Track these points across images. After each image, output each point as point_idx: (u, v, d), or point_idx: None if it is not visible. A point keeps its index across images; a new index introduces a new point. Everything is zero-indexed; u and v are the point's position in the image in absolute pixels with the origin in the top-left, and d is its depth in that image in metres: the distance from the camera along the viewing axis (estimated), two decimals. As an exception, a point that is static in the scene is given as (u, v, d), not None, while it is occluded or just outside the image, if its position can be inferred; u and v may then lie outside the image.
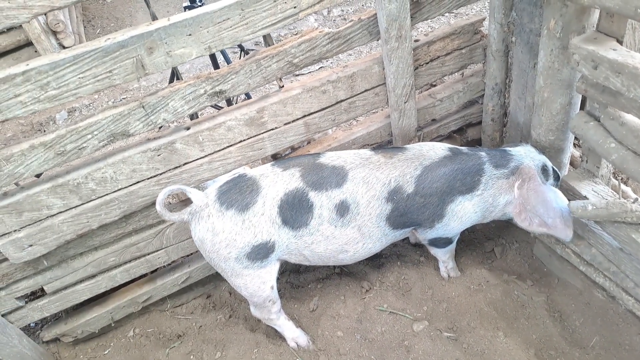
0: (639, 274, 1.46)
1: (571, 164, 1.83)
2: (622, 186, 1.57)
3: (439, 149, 1.59)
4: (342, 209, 1.51)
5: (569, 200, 1.58)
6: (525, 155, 1.58)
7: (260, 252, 1.49)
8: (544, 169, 1.58)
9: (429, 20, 3.62)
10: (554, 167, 1.62)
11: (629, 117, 1.30)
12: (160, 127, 1.62)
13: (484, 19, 1.82)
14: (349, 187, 1.51)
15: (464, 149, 1.62)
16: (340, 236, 1.55)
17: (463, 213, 1.58)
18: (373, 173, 1.52)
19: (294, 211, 1.48)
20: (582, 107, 1.62)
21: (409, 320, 1.73)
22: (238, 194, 1.47)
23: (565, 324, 1.66)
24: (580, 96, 1.61)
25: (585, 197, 1.55)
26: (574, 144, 1.77)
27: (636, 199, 1.41)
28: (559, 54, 1.45)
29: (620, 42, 1.26)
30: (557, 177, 1.63)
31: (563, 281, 1.79)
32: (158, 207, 1.46)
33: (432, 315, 1.74)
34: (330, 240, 1.55)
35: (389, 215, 1.55)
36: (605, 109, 1.37)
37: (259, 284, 1.56)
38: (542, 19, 1.49)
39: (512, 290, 1.77)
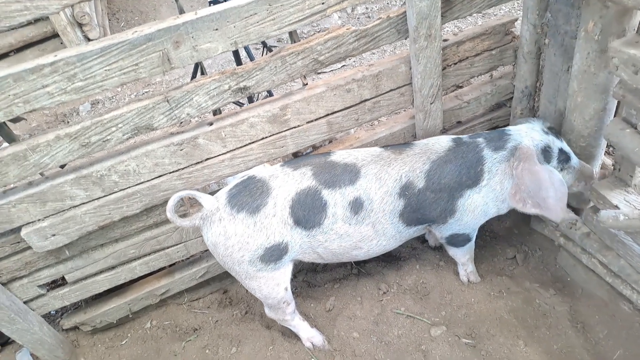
0: (671, 289, 1.41)
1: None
2: (656, 197, 1.51)
3: (443, 141, 1.58)
4: (356, 206, 1.50)
5: (600, 209, 1.53)
6: (525, 134, 1.51)
7: (274, 254, 1.48)
8: (545, 150, 1.50)
9: (457, 21, 3.56)
10: (565, 149, 1.53)
11: (670, 126, 1.24)
12: (181, 123, 1.62)
13: (515, 20, 1.77)
14: (362, 183, 1.50)
15: (465, 137, 1.60)
16: (355, 234, 1.54)
17: (474, 206, 1.56)
18: (385, 169, 1.52)
19: (307, 211, 1.47)
20: (615, 114, 1.56)
21: (426, 324, 1.71)
22: (248, 197, 1.46)
23: (589, 336, 1.62)
24: (616, 102, 1.55)
25: (616, 207, 1.49)
26: (606, 151, 1.71)
27: (672, 211, 1.35)
28: (596, 58, 1.40)
29: (663, 47, 1.20)
30: (564, 159, 1.53)
31: (587, 291, 1.74)
32: (168, 214, 1.45)
33: (450, 320, 1.71)
34: (344, 238, 1.54)
35: (402, 212, 1.54)
36: (643, 116, 1.31)
37: (273, 285, 1.56)
38: (579, 21, 1.43)
39: (533, 298, 1.73)
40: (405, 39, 1.61)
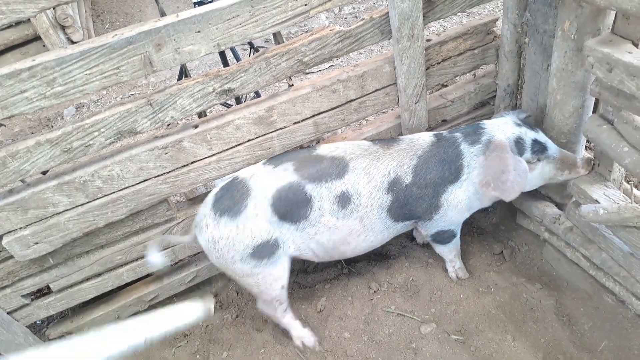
0: (651, 280, 1.45)
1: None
2: (635, 190, 1.55)
3: (425, 137, 1.61)
4: (344, 200, 1.51)
5: (581, 203, 1.56)
6: (498, 128, 1.54)
7: (265, 251, 1.49)
8: (517, 142, 1.51)
9: (441, 20, 3.60)
10: (540, 140, 1.53)
11: (645, 121, 1.28)
12: (168, 125, 1.61)
13: (497, 19, 1.79)
14: (350, 177, 1.51)
15: (445, 132, 1.62)
16: (343, 227, 1.55)
17: (458, 201, 1.58)
18: (373, 163, 1.53)
19: (290, 206, 1.48)
20: (594, 110, 1.60)
21: (416, 322, 1.72)
22: (230, 200, 1.48)
23: (574, 328, 1.65)
24: (594, 99, 1.59)
25: (596, 201, 1.53)
26: (586, 147, 1.75)
27: (650, 204, 1.39)
28: (573, 56, 1.43)
29: (636, 45, 1.23)
30: (539, 150, 1.52)
31: (572, 285, 1.77)
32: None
33: (440, 317, 1.72)
34: (333, 232, 1.55)
35: (389, 207, 1.56)
36: (619, 112, 1.34)
37: (270, 281, 1.56)
38: (556, 20, 1.46)
39: (520, 293, 1.75)
40: (389, 39, 1.63)
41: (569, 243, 1.72)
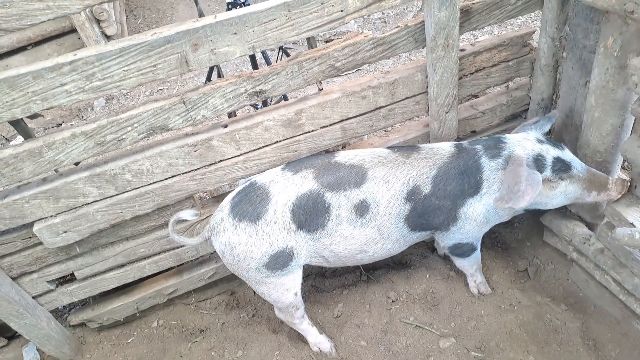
0: (686, 309, 1.39)
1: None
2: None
3: (446, 147, 1.58)
4: (362, 209, 1.49)
5: (615, 226, 1.51)
6: (518, 143, 1.49)
7: (279, 261, 1.49)
8: (537, 159, 1.45)
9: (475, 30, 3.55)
10: (564, 158, 1.47)
11: (690, 145, 1.23)
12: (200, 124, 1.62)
13: (533, 32, 1.76)
14: (369, 186, 1.49)
15: (465, 143, 1.59)
16: (360, 236, 1.53)
17: (476, 215, 1.55)
18: (392, 172, 1.51)
19: (309, 214, 1.47)
20: (633, 130, 1.54)
21: (435, 335, 1.69)
22: (249, 205, 1.47)
23: (600, 354, 1.59)
24: (634, 119, 1.53)
25: (632, 224, 1.47)
26: (622, 166, 1.69)
27: (690, 231, 1.33)
28: (615, 74, 1.38)
29: (685, 65, 1.18)
30: (561, 169, 1.46)
31: (600, 308, 1.71)
32: (174, 237, 1.53)
33: (459, 332, 1.69)
34: (349, 241, 1.54)
35: (407, 216, 1.53)
36: (663, 133, 1.30)
37: (282, 291, 1.56)
38: (597, 36, 1.42)
39: (544, 313, 1.71)
40: (422, 47, 1.61)
41: (598, 265, 1.66)
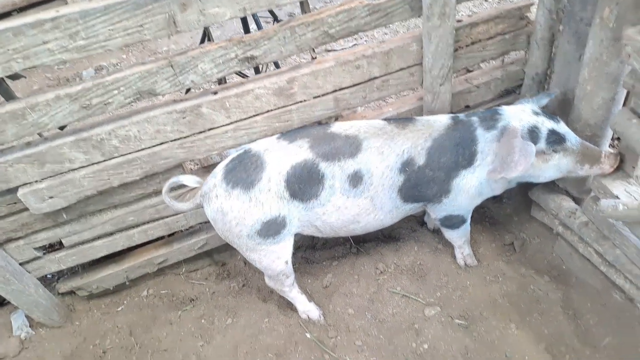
0: (664, 280, 1.44)
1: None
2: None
3: (442, 119, 1.57)
4: (356, 179, 1.49)
5: (600, 199, 1.53)
6: (514, 115, 1.50)
7: (271, 228, 1.49)
8: (531, 131, 1.46)
9: (471, 4, 3.50)
10: (559, 130, 1.48)
11: (679, 117, 1.24)
12: (188, 90, 1.59)
13: (531, 4, 1.73)
14: (363, 157, 1.49)
15: (461, 116, 1.59)
16: (352, 207, 1.54)
17: (469, 187, 1.56)
18: (387, 143, 1.50)
19: (303, 184, 1.47)
20: (624, 105, 1.55)
21: (421, 304, 1.73)
22: (243, 172, 1.46)
23: (579, 322, 1.65)
24: (625, 92, 1.54)
25: (617, 197, 1.50)
26: (610, 144, 1.71)
27: (672, 204, 1.36)
28: (609, 46, 1.37)
29: (679, 37, 1.18)
30: (555, 140, 1.47)
31: (581, 280, 1.76)
32: (166, 198, 1.52)
33: (445, 302, 1.73)
34: (342, 211, 1.54)
35: (401, 187, 1.54)
36: (652, 107, 1.31)
37: (273, 259, 1.57)
38: (595, 8, 1.40)
39: (528, 284, 1.75)
40: (419, 16, 1.58)
41: (582, 238, 1.70)
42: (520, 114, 1.50)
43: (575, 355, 1.55)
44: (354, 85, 1.66)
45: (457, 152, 1.51)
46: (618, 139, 1.70)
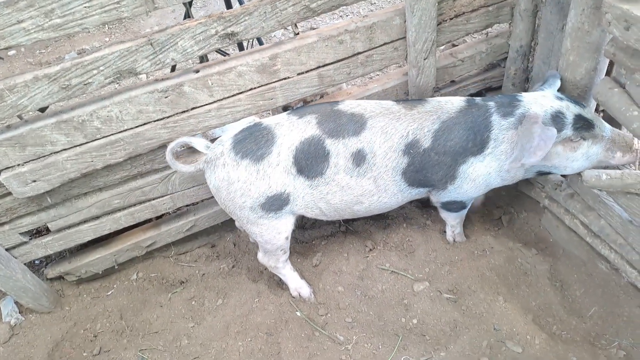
0: (647, 247, 1.45)
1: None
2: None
3: (455, 101, 1.51)
4: (359, 158, 1.47)
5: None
6: (535, 101, 1.42)
7: (275, 204, 1.49)
8: (556, 116, 1.38)
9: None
10: (586, 116, 1.40)
11: (659, 83, 1.24)
12: (173, 69, 1.57)
13: (514, -25, 1.72)
14: (366, 135, 1.47)
15: (477, 99, 1.52)
16: (356, 187, 1.52)
17: (476, 175, 1.52)
18: (392, 123, 1.47)
19: (310, 160, 1.46)
20: (607, 74, 1.55)
21: (410, 280, 1.74)
22: (253, 144, 1.45)
23: (566, 293, 1.67)
24: (607, 63, 1.54)
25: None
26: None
27: (654, 170, 1.37)
28: (591, 14, 1.37)
29: (660, 2, 1.18)
30: (582, 127, 1.39)
31: (568, 252, 1.78)
32: (168, 157, 1.49)
33: (433, 277, 1.74)
34: (345, 191, 1.53)
35: (404, 170, 1.51)
36: (633, 74, 1.30)
37: (274, 233, 1.57)
38: (577, -24, 1.40)
39: (515, 257, 1.76)
40: (401, -11, 1.56)
41: (568, 210, 1.71)
42: (542, 100, 1.42)
43: (562, 326, 1.57)
44: (338, 61, 1.65)
45: (467, 137, 1.45)
46: (603, 110, 1.70)
